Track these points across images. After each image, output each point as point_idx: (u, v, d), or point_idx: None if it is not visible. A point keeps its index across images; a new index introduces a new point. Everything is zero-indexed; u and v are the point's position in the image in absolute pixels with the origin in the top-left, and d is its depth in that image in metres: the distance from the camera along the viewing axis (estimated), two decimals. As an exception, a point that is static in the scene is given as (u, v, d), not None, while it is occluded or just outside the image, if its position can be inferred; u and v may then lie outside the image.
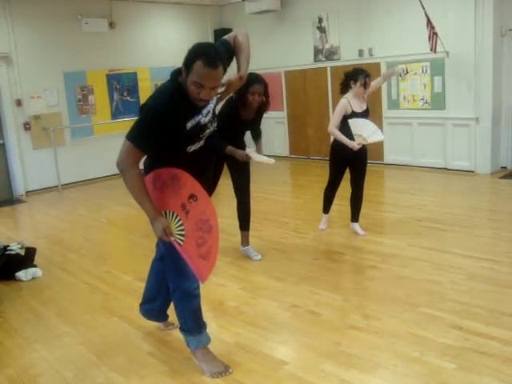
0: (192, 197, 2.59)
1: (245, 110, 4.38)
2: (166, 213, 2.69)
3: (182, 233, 2.64)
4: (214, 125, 2.79)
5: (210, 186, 3.04)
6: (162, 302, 3.30)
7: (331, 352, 3.06)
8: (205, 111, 2.66)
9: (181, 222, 2.64)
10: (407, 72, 8.34)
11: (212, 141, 2.84)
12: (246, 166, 4.64)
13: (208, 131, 2.73)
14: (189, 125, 2.58)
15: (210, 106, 2.69)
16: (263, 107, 4.50)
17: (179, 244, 2.66)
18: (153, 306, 3.36)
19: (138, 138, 2.54)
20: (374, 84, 5.23)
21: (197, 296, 2.90)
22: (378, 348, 3.07)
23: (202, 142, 2.71)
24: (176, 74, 2.59)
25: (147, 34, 10.11)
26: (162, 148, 2.64)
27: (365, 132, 4.83)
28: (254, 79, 4.23)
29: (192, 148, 2.67)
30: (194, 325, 2.92)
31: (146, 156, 2.76)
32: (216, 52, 2.48)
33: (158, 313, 3.40)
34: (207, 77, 2.42)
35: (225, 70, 2.55)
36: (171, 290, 2.94)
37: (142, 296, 3.43)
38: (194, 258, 2.64)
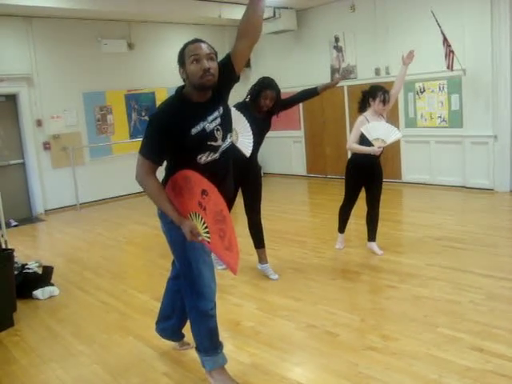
0: (204, 192, 2.59)
1: (255, 110, 4.46)
2: (190, 215, 2.69)
3: (207, 230, 2.63)
4: (229, 140, 2.78)
5: (230, 202, 3.04)
6: (177, 320, 3.30)
7: (348, 373, 3.01)
8: (210, 117, 2.65)
9: (204, 220, 2.63)
10: (424, 90, 8.32)
11: (229, 154, 2.83)
12: (258, 185, 4.66)
13: (221, 143, 2.71)
14: (194, 130, 2.60)
15: (216, 113, 2.68)
16: (273, 111, 4.55)
17: (208, 242, 2.65)
18: (168, 325, 3.35)
19: (145, 148, 2.64)
20: (393, 92, 5.06)
21: (213, 316, 2.87)
22: (395, 369, 3.01)
23: (216, 155, 2.69)
24: (180, 88, 2.71)
25: (165, 55, 10.23)
26: (172, 157, 2.71)
27: (381, 134, 4.74)
28: (268, 84, 4.37)
29: (203, 158, 2.65)
30: (210, 345, 2.90)
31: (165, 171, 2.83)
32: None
33: (173, 331, 3.39)
34: (198, 47, 2.58)
35: (215, 53, 2.65)
36: (187, 309, 2.92)
37: (157, 314, 3.43)
38: (222, 251, 2.62)
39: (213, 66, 2.58)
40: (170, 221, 2.69)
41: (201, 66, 2.54)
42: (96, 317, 4.25)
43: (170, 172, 2.77)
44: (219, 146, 2.70)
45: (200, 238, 2.64)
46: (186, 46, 2.64)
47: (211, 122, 2.65)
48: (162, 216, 2.80)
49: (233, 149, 2.85)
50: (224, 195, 2.79)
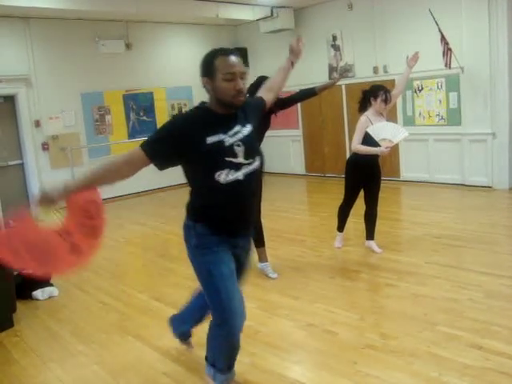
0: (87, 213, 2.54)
1: None
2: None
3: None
4: (256, 162, 2.57)
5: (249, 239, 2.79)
6: (190, 327, 3.22)
7: (347, 372, 3.01)
8: (231, 132, 2.48)
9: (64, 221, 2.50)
10: (422, 88, 8.33)
11: (255, 180, 2.61)
12: (259, 185, 4.66)
13: (243, 161, 2.49)
14: (209, 140, 2.42)
15: (237, 127, 2.51)
16: (272, 110, 4.55)
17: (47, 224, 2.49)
18: (181, 325, 3.24)
19: (147, 141, 2.47)
20: (395, 93, 5.10)
21: (238, 341, 2.70)
22: (395, 368, 3.01)
23: (238, 175, 2.48)
24: (202, 102, 2.59)
25: (163, 55, 10.25)
26: (191, 174, 2.55)
27: (388, 134, 4.71)
28: None
29: (222, 175, 2.44)
30: (225, 365, 2.78)
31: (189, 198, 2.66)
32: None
33: (183, 333, 3.26)
34: (234, 63, 2.42)
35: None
36: (212, 334, 2.75)
37: (180, 309, 3.29)
38: (60, 250, 2.46)
39: (244, 85, 2.47)
40: (194, 245, 2.59)
41: (234, 85, 2.41)
42: (95, 317, 4.26)
43: (193, 196, 2.63)
44: (240, 164, 2.48)
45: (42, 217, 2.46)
46: (215, 55, 2.45)
47: (232, 137, 2.47)
48: (187, 240, 2.65)
49: (260, 175, 2.66)
50: (242, 225, 2.65)
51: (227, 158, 2.45)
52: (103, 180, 2.57)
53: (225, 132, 2.46)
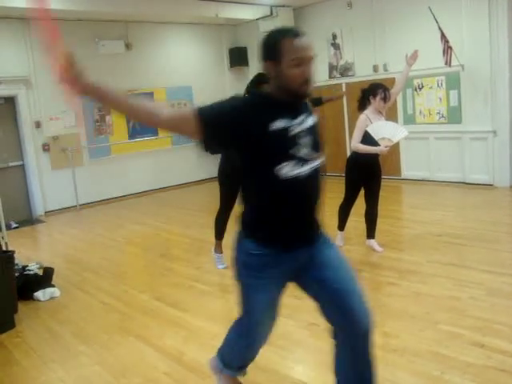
0: None
1: None
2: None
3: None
4: (321, 158, 2.26)
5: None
6: None
7: (349, 371, 3.00)
8: (298, 119, 2.17)
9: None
10: (423, 86, 8.32)
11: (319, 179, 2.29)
12: None
13: (307, 153, 2.17)
14: (274, 126, 2.09)
15: (303, 116, 2.21)
16: None
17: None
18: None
19: (205, 108, 2.11)
20: (394, 91, 5.08)
21: (257, 351, 2.66)
22: (397, 366, 3.01)
23: (303, 170, 2.15)
24: (254, 89, 2.27)
25: (163, 55, 10.24)
26: (246, 167, 2.22)
27: (387, 133, 4.70)
28: (265, 81, 4.37)
29: (282, 169, 2.11)
30: (237, 365, 2.73)
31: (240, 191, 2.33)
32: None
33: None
34: (304, 45, 2.13)
35: None
36: (237, 331, 2.64)
37: None
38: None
39: (312, 71, 2.18)
40: (241, 262, 2.34)
41: (303, 72, 2.13)
42: (96, 317, 4.25)
43: (246, 199, 2.31)
44: (304, 158, 2.16)
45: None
46: (283, 36, 2.12)
47: (296, 126, 2.16)
48: (235, 254, 2.37)
49: (323, 173, 2.34)
50: (302, 232, 2.32)
51: (290, 150, 2.14)
52: (133, 105, 2.24)
53: (289, 119, 2.14)
